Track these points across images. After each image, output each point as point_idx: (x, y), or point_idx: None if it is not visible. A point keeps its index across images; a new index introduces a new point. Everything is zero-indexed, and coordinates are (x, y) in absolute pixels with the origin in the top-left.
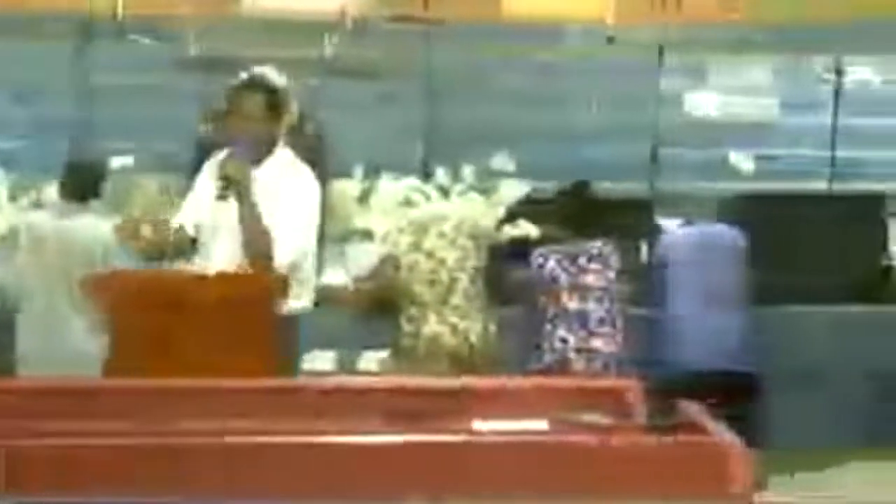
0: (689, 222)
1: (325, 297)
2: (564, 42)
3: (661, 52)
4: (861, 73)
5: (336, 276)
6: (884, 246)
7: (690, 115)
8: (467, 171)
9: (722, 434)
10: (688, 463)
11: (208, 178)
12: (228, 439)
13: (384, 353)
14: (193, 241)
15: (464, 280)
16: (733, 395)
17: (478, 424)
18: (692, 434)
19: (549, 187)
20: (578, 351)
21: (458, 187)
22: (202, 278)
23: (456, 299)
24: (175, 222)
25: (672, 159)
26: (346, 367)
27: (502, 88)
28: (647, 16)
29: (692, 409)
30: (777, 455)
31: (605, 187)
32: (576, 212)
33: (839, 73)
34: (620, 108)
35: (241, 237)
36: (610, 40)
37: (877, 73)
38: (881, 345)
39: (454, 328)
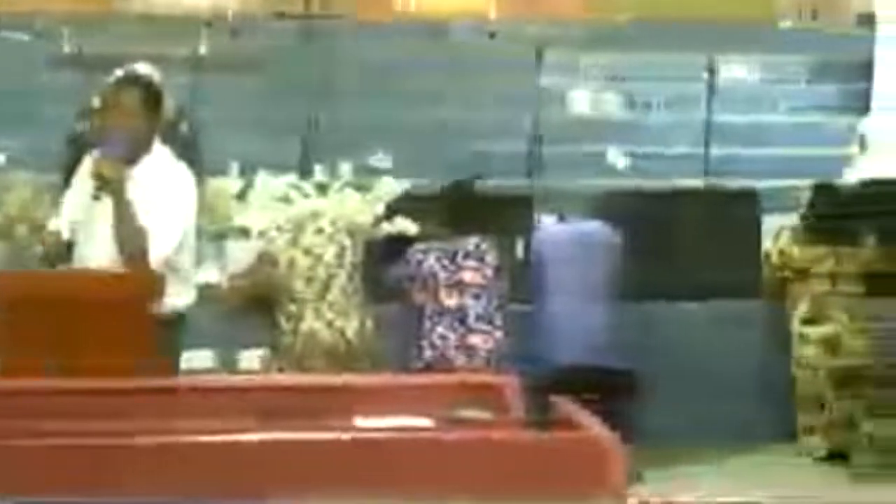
0: (563, 219)
1: (202, 295)
2: (448, 39)
3: (539, 48)
4: (735, 71)
5: (212, 274)
6: (758, 242)
7: (569, 112)
8: (345, 168)
9: (597, 430)
10: (564, 458)
11: (85, 176)
12: (91, 440)
13: (263, 351)
14: (69, 244)
15: (341, 277)
16: (609, 391)
17: (359, 422)
18: (568, 430)
19: (429, 184)
20: (458, 348)
21: (337, 184)
22: (78, 278)
23: (333, 296)
24: (52, 223)
25: (552, 156)
26: (226, 365)
27: (385, 85)
28: (527, 11)
29: (568, 406)
30: (655, 451)
31: (485, 184)
32: (455, 208)
33: (712, 71)
34: (501, 105)
35: (117, 236)
36: (492, 36)
37: (751, 71)
38: (757, 340)
39: (331, 325)
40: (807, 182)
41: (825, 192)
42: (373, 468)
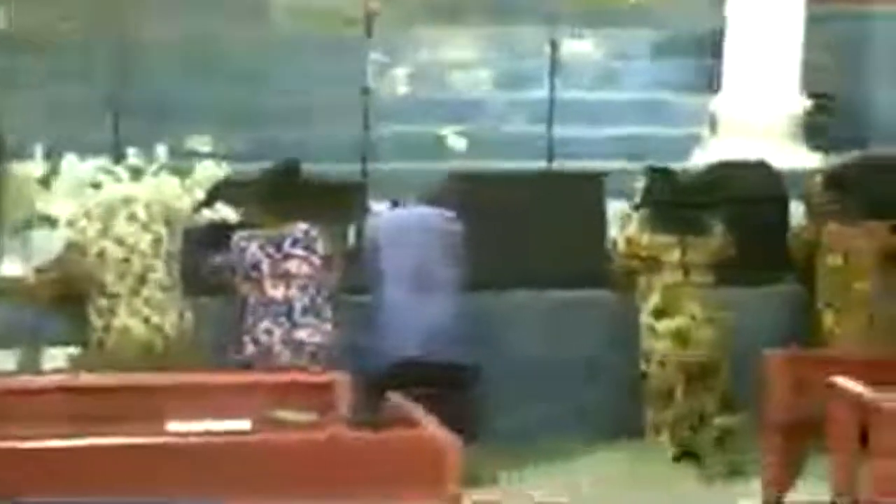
0: (398, 204)
1: (4, 290)
2: (271, 15)
3: (369, 23)
4: (579, 46)
5: (15, 267)
6: (603, 228)
7: (403, 91)
8: (162, 151)
9: (433, 428)
10: (397, 459)
11: None
12: None
13: (72, 350)
14: None
15: (158, 268)
16: (448, 386)
17: (173, 426)
18: (402, 429)
19: (253, 168)
20: (284, 343)
21: (152, 168)
22: None
23: (149, 289)
24: None
25: (385, 138)
26: (29, 366)
27: (205, 65)
28: None
29: (403, 403)
30: (493, 450)
31: (313, 169)
32: (281, 194)
33: (555, 46)
34: (330, 85)
35: None
36: (317, 11)
37: (596, 46)
38: (604, 333)
39: (147, 321)
40: (655, 164)
41: (665, 176)
42: (184, 474)
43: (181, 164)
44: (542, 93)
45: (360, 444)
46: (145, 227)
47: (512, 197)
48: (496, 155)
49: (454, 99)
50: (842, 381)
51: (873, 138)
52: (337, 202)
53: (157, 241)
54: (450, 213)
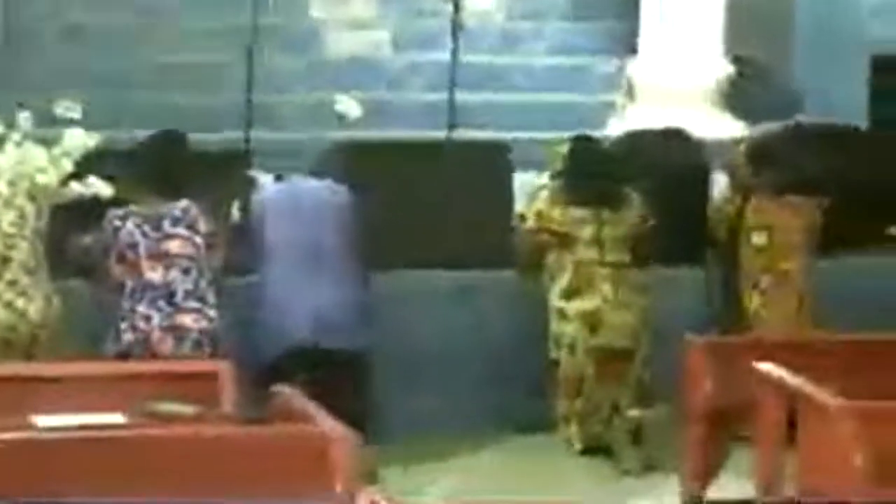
0: (283, 177)
1: None
2: None
3: None
4: (483, 4)
5: None
6: (510, 202)
7: (290, 54)
8: (25, 118)
9: (325, 423)
10: (285, 456)
11: None
12: None
13: None
14: None
15: (22, 248)
16: (340, 375)
17: (41, 420)
18: (291, 423)
19: (127, 137)
20: (164, 329)
21: (14, 137)
22: None
23: (12, 272)
24: None
25: (271, 105)
26: None
27: (72, 25)
28: None
29: (292, 395)
30: (394, 445)
31: (194, 138)
32: (159, 167)
33: (457, 5)
34: (211, 48)
35: None
36: None
37: (501, 5)
38: (510, 316)
39: (10, 305)
40: (566, 134)
41: (578, 145)
42: (52, 472)
43: (46, 132)
44: (443, 55)
45: (246, 440)
46: (7, 202)
47: (410, 169)
48: (393, 123)
49: (347, 61)
50: (767, 367)
51: (802, 106)
52: (218, 175)
53: (20, 219)
54: (342, 187)
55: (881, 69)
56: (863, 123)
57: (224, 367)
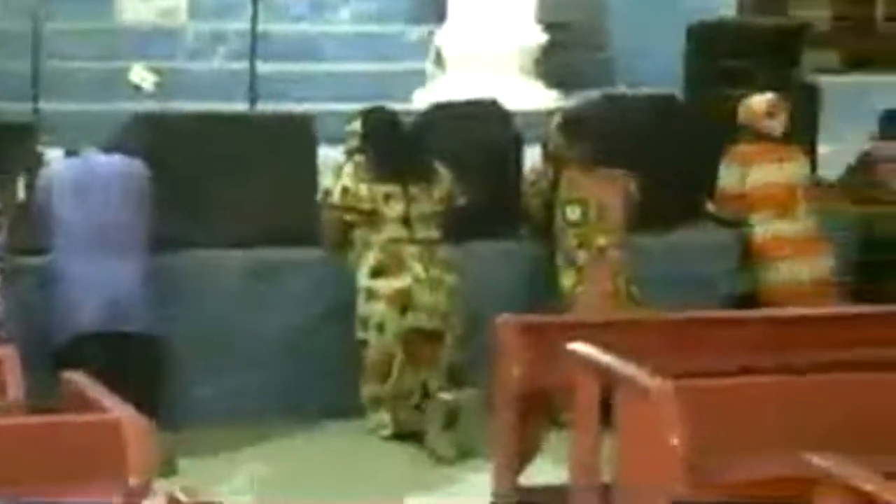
0: (73, 152)
1: None
2: None
3: None
4: None
5: None
6: (315, 177)
7: (80, 20)
8: None
9: (118, 410)
10: (75, 445)
11: None
12: None
13: None
14: None
15: None
16: (136, 362)
17: None
18: (82, 411)
19: None
20: None
21: None
22: None
23: None
24: None
25: (60, 74)
26: None
27: None
28: None
29: (83, 382)
30: (193, 433)
31: None
32: None
33: None
34: None
35: None
36: None
37: None
38: (317, 296)
39: None
40: (373, 104)
41: (385, 117)
42: None
43: None
44: (243, 24)
45: (34, 430)
46: None
47: (210, 143)
48: (191, 95)
49: (142, 30)
50: (583, 347)
51: (618, 75)
52: (2, 149)
53: None
54: (137, 162)
55: (696, 38)
56: (678, 93)
57: (10, 354)
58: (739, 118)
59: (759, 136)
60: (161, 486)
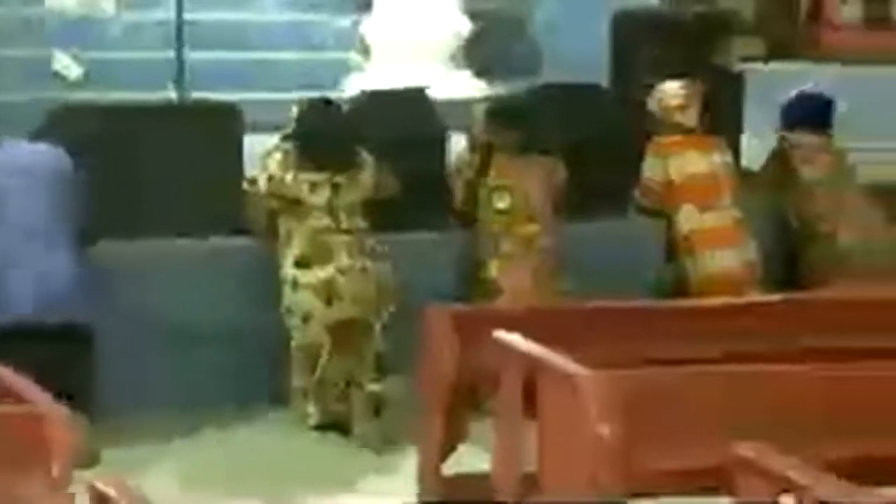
0: None
1: None
2: None
3: None
4: None
5: None
6: (242, 166)
7: (9, 10)
8: None
9: (41, 401)
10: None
11: None
12: None
13: None
14: None
15: None
16: (59, 353)
17: None
18: (3, 402)
19: None
20: None
21: None
22: None
23: None
24: None
25: None
26: None
27: None
28: None
29: (6, 374)
30: (117, 425)
31: None
32: None
33: None
34: None
35: None
36: None
37: None
38: (245, 285)
39: None
40: (299, 95)
41: (310, 106)
42: None
43: None
44: (169, 13)
45: None
46: None
47: (136, 132)
48: (117, 84)
49: (66, 17)
50: (507, 337)
51: (544, 64)
52: None
53: None
54: (62, 152)
55: (620, 27)
56: (604, 82)
57: None
58: (650, 108)
59: (675, 127)
60: (83, 476)
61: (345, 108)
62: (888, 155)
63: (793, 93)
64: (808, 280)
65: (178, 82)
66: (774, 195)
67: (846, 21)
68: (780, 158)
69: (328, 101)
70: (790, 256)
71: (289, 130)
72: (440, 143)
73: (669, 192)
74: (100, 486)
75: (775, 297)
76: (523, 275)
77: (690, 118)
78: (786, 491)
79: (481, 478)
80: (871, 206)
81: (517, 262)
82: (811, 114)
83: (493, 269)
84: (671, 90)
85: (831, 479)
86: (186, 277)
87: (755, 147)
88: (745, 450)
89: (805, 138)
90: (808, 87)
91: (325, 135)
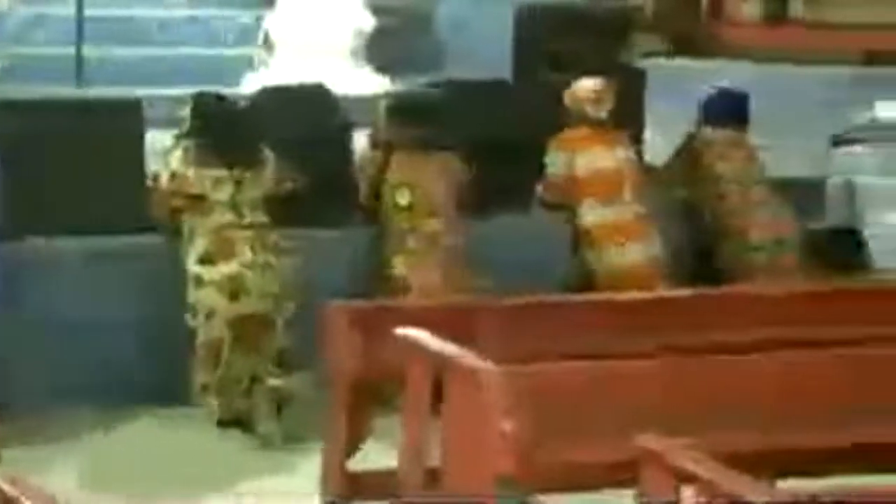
0: None
1: None
2: None
3: None
4: None
5: None
6: (142, 163)
7: None
8: None
9: None
10: None
11: None
12: None
13: None
14: None
15: None
16: None
17: None
18: None
19: None
20: None
21: None
22: None
23: None
24: None
25: None
26: None
27: None
28: None
29: None
30: (20, 421)
31: None
32: None
33: None
34: None
35: None
36: None
37: None
38: (147, 283)
39: None
40: (201, 90)
41: (212, 102)
42: None
43: None
44: (68, 9)
45: None
46: None
47: (35, 128)
48: (15, 79)
49: None
50: (413, 333)
51: (450, 60)
52: None
53: None
54: None
55: (524, 22)
56: (507, 76)
57: None
58: (566, 103)
59: (585, 122)
60: None
61: (245, 103)
62: (792, 151)
63: (710, 89)
64: (721, 275)
65: (79, 77)
66: (683, 190)
67: (747, 18)
68: (688, 154)
69: (220, 97)
70: (703, 252)
71: (185, 127)
72: (343, 140)
73: (572, 186)
74: (2, 484)
75: (685, 291)
76: (432, 272)
77: (602, 112)
78: (687, 481)
79: (387, 474)
80: (781, 202)
81: (423, 258)
82: (730, 109)
83: (400, 266)
84: (587, 84)
85: (731, 472)
86: (90, 275)
87: (658, 142)
88: (647, 442)
89: (721, 134)
90: (723, 83)
91: (227, 131)
